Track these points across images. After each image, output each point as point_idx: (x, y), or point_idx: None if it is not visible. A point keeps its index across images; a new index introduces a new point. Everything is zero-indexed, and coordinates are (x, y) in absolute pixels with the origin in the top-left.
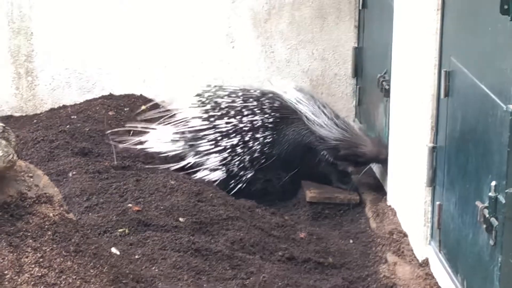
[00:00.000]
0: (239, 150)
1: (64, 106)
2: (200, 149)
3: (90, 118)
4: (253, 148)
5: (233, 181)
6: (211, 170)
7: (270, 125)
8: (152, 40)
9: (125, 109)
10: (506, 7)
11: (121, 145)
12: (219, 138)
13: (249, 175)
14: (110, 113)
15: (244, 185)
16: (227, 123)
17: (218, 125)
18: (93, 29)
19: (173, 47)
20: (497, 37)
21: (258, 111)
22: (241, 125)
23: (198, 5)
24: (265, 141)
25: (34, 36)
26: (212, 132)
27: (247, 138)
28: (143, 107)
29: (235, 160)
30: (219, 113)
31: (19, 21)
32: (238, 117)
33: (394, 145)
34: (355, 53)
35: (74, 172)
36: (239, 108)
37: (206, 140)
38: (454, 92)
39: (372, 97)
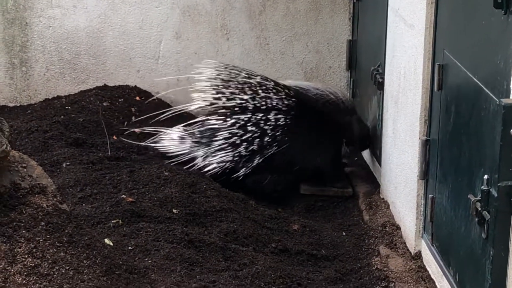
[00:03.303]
0: (249, 127)
1: (58, 97)
2: (209, 125)
3: (84, 108)
4: (264, 128)
5: (237, 163)
6: (217, 151)
7: (284, 108)
8: (145, 30)
9: (120, 100)
10: (499, 0)
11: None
12: (228, 113)
13: (255, 162)
14: (105, 104)
15: (249, 171)
16: (241, 98)
17: (231, 98)
18: (88, 19)
19: (166, 38)
20: (491, 31)
21: (272, 93)
22: (254, 102)
23: None
24: (277, 123)
25: (28, 26)
26: (223, 106)
27: (259, 117)
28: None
29: (243, 139)
30: (234, 88)
31: (14, 11)
32: (252, 94)
33: (387, 138)
34: (349, 46)
35: (68, 163)
36: (254, 87)
37: (216, 116)
38: (447, 85)
39: (365, 89)
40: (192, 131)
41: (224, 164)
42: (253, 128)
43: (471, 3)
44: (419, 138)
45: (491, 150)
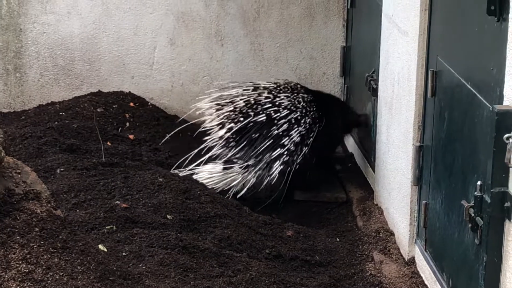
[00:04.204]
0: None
1: (53, 103)
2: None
3: (79, 114)
4: (298, 121)
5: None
6: (271, 162)
7: (312, 102)
8: (139, 37)
9: (114, 106)
10: (492, 8)
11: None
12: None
13: (303, 151)
14: (99, 110)
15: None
16: (285, 96)
17: (280, 97)
18: (82, 25)
19: (161, 44)
20: (484, 38)
21: (293, 93)
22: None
23: (188, 2)
24: (308, 108)
25: (23, 33)
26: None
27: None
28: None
29: (285, 137)
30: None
31: (8, 17)
32: (292, 95)
33: (381, 144)
34: (343, 52)
35: (62, 169)
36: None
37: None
38: (441, 91)
39: (360, 96)
40: (228, 158)
41: (283, 168)
42: (287, 126)
43: (464, 10)
44: (413, 144)
45: (484, 156)
